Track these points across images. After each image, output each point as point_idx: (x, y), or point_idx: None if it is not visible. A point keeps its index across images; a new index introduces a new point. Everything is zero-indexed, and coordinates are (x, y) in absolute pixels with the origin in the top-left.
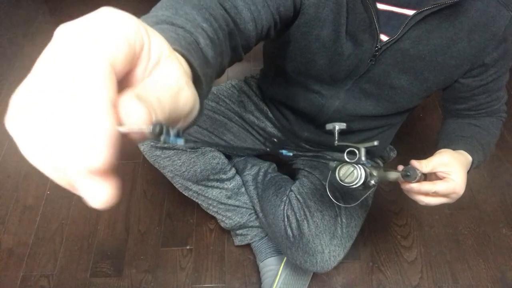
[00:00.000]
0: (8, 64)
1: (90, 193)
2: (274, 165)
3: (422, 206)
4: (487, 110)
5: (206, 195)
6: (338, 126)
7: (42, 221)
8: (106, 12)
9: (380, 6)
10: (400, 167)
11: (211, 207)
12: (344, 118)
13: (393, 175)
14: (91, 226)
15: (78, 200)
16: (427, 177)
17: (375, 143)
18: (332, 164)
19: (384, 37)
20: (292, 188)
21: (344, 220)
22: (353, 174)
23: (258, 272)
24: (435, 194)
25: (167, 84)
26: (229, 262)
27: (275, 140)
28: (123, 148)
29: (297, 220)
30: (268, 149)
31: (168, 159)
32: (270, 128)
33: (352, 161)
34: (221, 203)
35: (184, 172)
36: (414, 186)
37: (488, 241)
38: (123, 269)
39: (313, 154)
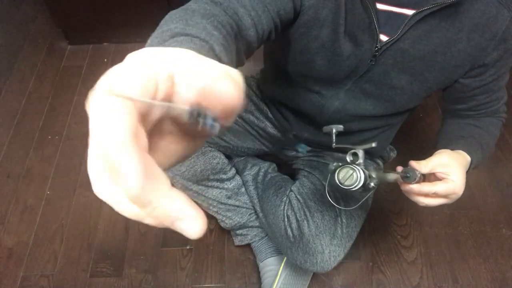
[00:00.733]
0: (8, 64)
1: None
2: (274, 165)
3: (422, 206)
4: (487, 111)
5: (206, 195)
6: (335, 129)
7: (42, 221)
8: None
9: (380, 6)
10: (399, 168)
11: (211, 207)
12: (344, 118)
13: (392, 176)
14: (91, 226)
15: (78, 200)
16: (426, 177)
17: (373, 144)
18: (332, 166)
19: (383, 37)
20: (292, 188)
21: (344, 220)
22: (352, 177)
23: (258, 272)
24: (435, 195)
25: None
26: (229, 262)
27: (294, 133)
28: None
29: (297, 220)
30: (268, 150)
31: None
32: (270, 128)
33: (352, 163)
34: (221, 203)
35: (184, 172)
36: (414, 187)
37: (488, 241)
38: (123, 269)
39: (313, 154)
